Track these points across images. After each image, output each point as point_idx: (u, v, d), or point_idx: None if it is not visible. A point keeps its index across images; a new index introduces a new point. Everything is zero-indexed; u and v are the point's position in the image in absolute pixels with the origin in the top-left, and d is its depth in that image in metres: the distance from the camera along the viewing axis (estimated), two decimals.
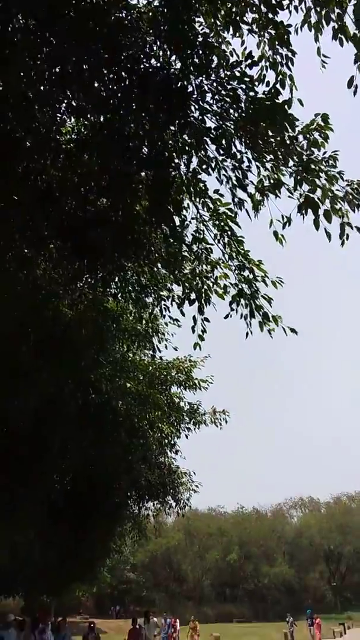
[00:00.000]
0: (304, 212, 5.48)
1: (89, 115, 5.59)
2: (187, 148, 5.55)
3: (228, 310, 6.54)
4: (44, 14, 4.77)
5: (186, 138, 5.47)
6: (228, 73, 5.11)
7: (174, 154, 5.50)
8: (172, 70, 5.21)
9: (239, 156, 5.58)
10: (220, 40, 5.22)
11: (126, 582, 62.31)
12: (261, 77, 5.24)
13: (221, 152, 5.56)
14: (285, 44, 4.99)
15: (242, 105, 5.14)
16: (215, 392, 14.29)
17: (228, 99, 5.19)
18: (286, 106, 5.03)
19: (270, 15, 4.84)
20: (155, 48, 5.19)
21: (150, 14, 5.16)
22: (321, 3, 4.74)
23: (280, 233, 6.00)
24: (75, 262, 6.60)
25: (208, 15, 5.09)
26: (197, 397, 13.94)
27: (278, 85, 5.12)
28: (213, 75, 5.18)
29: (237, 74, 5.08)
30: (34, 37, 4.97)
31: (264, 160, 5.60)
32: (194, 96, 5.24)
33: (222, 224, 6.36)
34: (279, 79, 5.15)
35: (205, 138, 5.43)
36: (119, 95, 5.22)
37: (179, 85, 5.13)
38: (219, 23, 5.14)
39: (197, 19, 5.09)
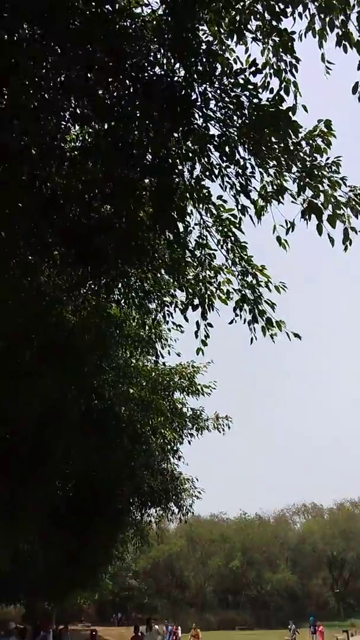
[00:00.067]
0: (307, 217, 5.51)
1: (93, 123, 5.62)
2: (190, 155, 5.58)
3: (230, 316, 6.56)
4: (49, 22, 4.81)
5: (190, 145, 5.50)
6: (232, 80, 5.14)
7: (178, 160, 5.53)
8: (176, 78, 5.24)
9: (242, 162, 5.61)
10: (224, 47, 5.25)
11: (128, 589, 62.06)
12: (265, 84, 5.27)
13: (225, 158, 5.59)
14: (289, 51, 5.02)
15: (246, 112, 5.18)
16: (217, 397, 14.28)
17: (232, 106, 5.22)
18: (290, 113, 5.06)
19: (274, 23, 4.87)
20: (159, 56, 5.22)
21: (155, 22, 5.19)
22: (325, 10, 4.77)
23: (284, 238, 6.03)
24: (79, 268, 6.62)
25: (212, 23, 5.13)
26: (199, 403, 13.94)
27: (282, 92, 5.15)
28: (217, 83, 5.21)
29: (241, 81, 5.11)
30: (39, 45, 5.01)
31: (267, 166, 5.62)
32: (198, 103, 5.27)
33: (225, 229, 6.39)
34: (282, 85, 5.18)
35: (208, 145, 5.46)
36: (123, 103, 5.25)
37: (182, 92, 5.16)
38: (222, 31, 5.17)
39: (201, 27, 5.13)
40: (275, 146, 5.32)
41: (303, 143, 5.37)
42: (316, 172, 5.46)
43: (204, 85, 5.25)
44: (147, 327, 10.04)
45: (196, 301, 6.81)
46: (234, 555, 66.16)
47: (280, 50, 5.06)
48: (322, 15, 4.81)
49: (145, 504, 16.35)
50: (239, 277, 6.54)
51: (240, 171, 5.65)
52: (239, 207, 5.98)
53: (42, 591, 21.44)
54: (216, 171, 5.72)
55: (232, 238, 6.38)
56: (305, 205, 5.52)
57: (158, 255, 6.64)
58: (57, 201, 5.80)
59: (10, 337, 7.87)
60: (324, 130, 5.34)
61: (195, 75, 5.17)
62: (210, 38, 5.22)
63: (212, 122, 5.39)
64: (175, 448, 14.23)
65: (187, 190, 5.87)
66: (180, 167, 5.61)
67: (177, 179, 5.65)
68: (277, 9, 4.81)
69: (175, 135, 5.36)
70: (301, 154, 5.42)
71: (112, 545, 20.06)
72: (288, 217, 5.75)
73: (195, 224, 6.38)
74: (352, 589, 65.86)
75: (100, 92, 5.28)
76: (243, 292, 6.54)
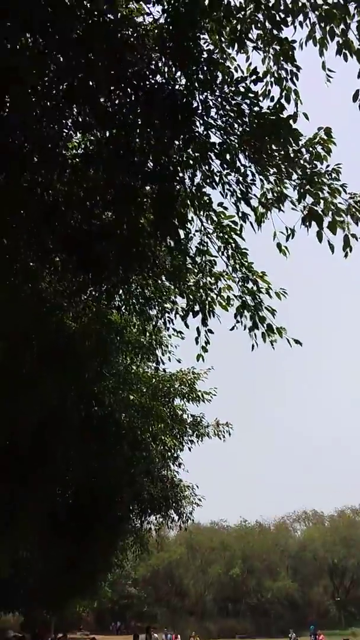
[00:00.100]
0: (308, 224, 5.54)
1: (95, 131, 5.66)
2: (191, 162, 5.61)
3: (230, 322, 6.57)
4: (52, 31, 4.85)
5: (191, 153, 5.53)
6: (232, 89, 5.18)
7: (179, 168, 5.55)
8: (177, 86, 5.28)
9: (243, 170, 5.65)
10: (225, 56, 5.29)
11: (127, 597, 61.72)
12: (266, 92, 5.31)
13: (225, 166, 5.62)
14: (290, 59, 5.06)
15: (247, 120, 5.21)
16: (218, 403, 14.27)
17: (232, 114, 5.26)
18: (291, 121, 5.10)
19: (275, 32, 4.91)
20: (160, 64, 5.26)
21: (156, 31, 5.23)
22: (325, 19, 4.81)
23: (284, 245, 6.06)
24: (80, 274, 6.65)
25: (213, 32, 5.17)
26: (200, 409, 13.93)
27: (283, 100, 5.19)
28: (218, 91, 5.25)
29: (242, 89, 5.14)
30: (41, 54, 5.05)
31: (268, 173, 5.66)
32: (199, 111, 5.31)
33: (226, 236, 6.41)
34: (283, 94, 5.22)
35: (209, 153, 5.50)
36: (125, 110, 5.29)
37: (183, 101, 5.19)
38: (223, 40, 5.21)
39: (202, 36, 5.16)
40: (276, 154, 5.36)
41: (303, 150, 5.41)
42: (316, 180, 5.49)
43: (205, 94, 5.28)
44: (147, 334, 10.06)
45: (197, 307, 6.83)
46: (234, 563, 65.80)
47: (281, 58, 5.10)
48: (323, 24, 4.85)
49: (145, 511, 16.29)
50: (240, 283, 6.55)
51: (240, 178, 5.68)
52: (240, 214, 6.01)
53: (41, 599, 21.32)
54: (217, 178, 5.75)
55: (233, 245, 6.41)
56: (306, 212, 5.55)
57: (159, 262, 6.66)
58: (59, 208, 5.83)
59: (11, 343, 7.88)
60: (324, 137, 5.37)
61: (196, 84, 5.21)
62: (211, 47, 5.26)
63: (213, 130, 5.43)
64: (175, 455, 14.21)
65: (188, 198, 5.90)
66: (181, 175, 5.64)
67: (178, 186, 5.68)
68: (278, 18, 4.86)
69: (177, 143, 5.39)
70: (301, 162, 5.45)
71: (112, 553, 19.97)
72: (289, 224, 5.78)
73: (196, 231, 6.40)
74: (353, 597, 65.46)
75: (102, 100, 5.32)
76: (243, 299, 6.55)
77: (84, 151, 6.06)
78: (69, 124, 5.50)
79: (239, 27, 5.06)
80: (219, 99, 5.26)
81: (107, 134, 5.56)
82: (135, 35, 5.23)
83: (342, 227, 5.53)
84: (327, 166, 5.46)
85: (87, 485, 12.88)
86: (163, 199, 5.58)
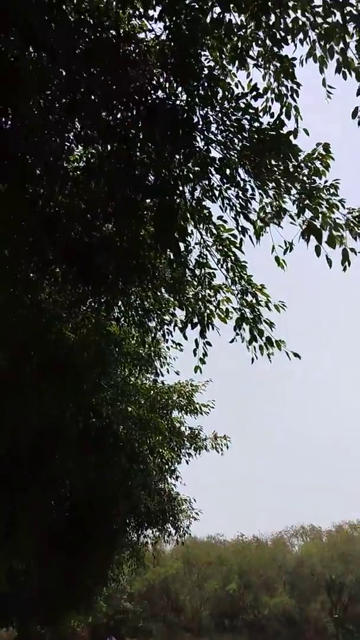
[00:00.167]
0: (306, 238, 5.59)
1: (96, 144, 5.72)
2: (192, 176, 5.68)
3: (229, 335, 6.61)
4: (56, 46, 4.93)
5: (191, 167, 5.60)
6: (233, 104, 5.26)
7: (179, 182, 5.62)
8: (178, 101, 5.35)
9: (242, 184, 5.72)
10: (225, 72, 5.38)
11: (122, 612, 60.90)
12: (266, 108, 5.40)
13: (225, 180, 5.69)
14: (290, 76, 5.14)
15: (247, 135, 5.28)
16: (216, 416, 14.25)
17: (233, 130, 5.34)
18: (291, 137, 5.17)
19: (275, 49, 5.00)
20: (162, 80, 5.34)
21: (158, 47, 5.32)
22: (325, 37, 4.90)
23: (282, 258, 6.12)
24: (79, 286, 6.69)
25: (214, 49, 5.26)
26: (198, 421, 13.92)
27: (283, 116, 5.27)
28: (218, 107, 5.33)
29: (242, 105, 5.23)
30: (44, 68, 5.13)
31: (267, 188, 5.73)
32: (199, 127, 5.39)
33: (225, 249, 6.47)
34: (283, 110, 5.30)
35: (209, 167, 5.57)
36: (127, 125, 5.36)
37: (184, 116, 5.27)
38: (224, 57, 5.31)
39: (203, 53, 5.26)
40: (275, 169, 5.43)
41: (302, 165, 5.48)
42: (315, 194, 5.56)
43: (206, 109, 5.36)
44: (146, 345, 10.08)
45: (195, 319, 6.86)
46: (231, 578, 65.01)
47: (282, 75, 5.19)
48: (322, 42, 4.94)
49: (141, 524, 16.17)
50: (239, 296, 6.60)
51: (240, 193, 5.75)
52: (239, 228, 6.07)
53: (36, 613, 21.05)
54: (217, 192, 5.83)
55: (232, 257, 6.46)
56: (305, 226, 5.61)
57: (159, 274, 6.71)
58: (60, 219, 5.88)
59: (11, 354, 7.90)
60: (323, 153, 5.45)
61: (197, 99, 5.29)
62: (212, 63, 5.35)
63: (213, 145, 5.50)
64: (172, 468, 14.17)
65: (188, 211, 5.96)
66: (181, 188, 5.70)
67: (178, 200, 5.74)
68: (279, 36, 4.94)
69: (177, 157, 5.46)
70: (300, 176, 5.52)
71: (108, 566, 19.77)
72: (287, 237, 5.85)
73: (196, 244, 6.47)
74: (351, 615, 64.64)
75: (104, 114, 5.39)
76: (242, 311, 6.59)
77: (86, 164, 6.13)
78: (71, 137, 5.57)
79: (239, 44, 5.16)
80: (220, 115, 5.34)
81: (109, 147, 5.62)
82: (137, 51, 5.32)
83: (341, 241, 5.59)
84: (326, 181, 5.53)
85: (84, 498, 12.81)
86: (163, 212, 5.63)
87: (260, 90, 5.31)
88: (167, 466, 13.68)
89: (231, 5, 4.81)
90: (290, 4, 4.82)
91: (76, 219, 5.99)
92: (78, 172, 6.01)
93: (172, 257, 6.21)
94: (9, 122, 5.41)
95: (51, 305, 7.60)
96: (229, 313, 6.71)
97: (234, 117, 5.31)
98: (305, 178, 5.54)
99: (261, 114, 5.35)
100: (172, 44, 5.19)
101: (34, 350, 8.20)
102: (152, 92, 5.30)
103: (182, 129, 5.21)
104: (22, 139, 5.21)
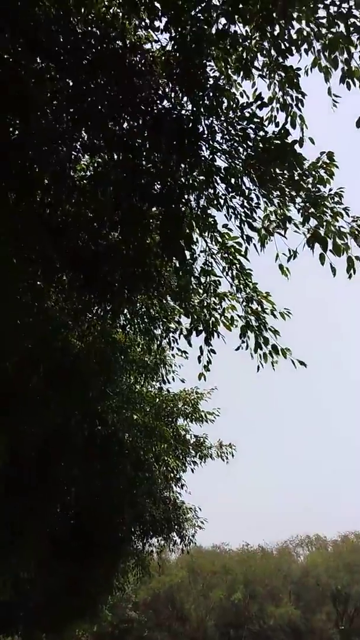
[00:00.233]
0: (311, 246, 5.62)
1: (103, 153, 5.79)
2: (197, 185, 5.73)
3: (235, 343, 6.63)
4: (63, 57, 5.01)
5: (196, 176, 5.65)
6: (238, 114, 5.31)
7: (185, 191, 5.67)
8: (184, 111, 5.41)
9: (247, 193, 5.76)
10: (230, 82, 5.44)
11: (127, 621, 60.49)
12: (271, 117, 5.44)
13: (230, 189, 5.74)
14: (295, 86, 5.19)
15: (252, 144, 5.33)
16: (222, 424, 14.21)
17: (238, 139, 5.38)
18: (296, 146, 5.21)
19: (280, 60, 5.05)
20: (168, 90, 5.40)
21: (164, 58, 5.39)
22: (329, 47, 4.95)
23: (286, 266, 6.14)
24: (85, 293, 6.73)
25: (219, 59, 5.32)
26: (203, 429, 13.90)
27: (288, 125, 5.31)
28: (223, 116, 5.38)
29: (247, 114, 5.27)
30: (53, 78, 5.21)
31: (272, 196, 5.76)
32: (205, 136, 5.44)
33: (230, 257, 6.50)
34: (289, 119, 5.35)
35: (215, 176, 5.62)
36: (133, 134, 5.42)
37: (190, 125, 5.32)
38: (229, 67, 5.36)
39: (208, 63, 5.32)
40: (280, 177, 5.46)
41: (307, 174, 5.51)
42: (320, 203, 5.59)
43: (211, 119, 5.42)
44: (152, 353, 10.10)
45: (200, 327, 6.89)
46: (236, 588, 64.49)
47: (287, 85, 5.24)
48: (327, 53, 4.99)
49: (147, 533, 16.10)
50: (244, 303, 6.62)
51: (245, 201, 5.79)
52: (244, 236, 6.11)
53: (41, 621, 20.97)
54: (222, 201, 5.87)
55: (237, 265, 6.50)
56: (310, 234, 5.63)
57: (164, 282, 6.74)
58: (67, 228, 5.93)
59: (17, 361, 7.94)
60: (327, 161, 5.49)
61: (202, 109, 5.34)
62: (217, 73, 5.41)
63: (219, 154, 5.55)
64: (178, 476, 14.11)
65: (193, 219, 6.00)
66: (187, 197, 5.75)
67: (184, 208, 5.78)
68: (283, 47, 5.00)
69: (183, 166, 5.51)
70: (305, 185, 5.55)
71: (113, 575, 19.69)
72: (292, 245, 5.87)
73: (201, 252, 6.50)
74: (357, 626, 63.91)
75: (110, 124, 5.46)
76: (247, 319, 6.61)
77: (93, 173, 6.19)
78: (78, 147, 5.63)
79: (245, 55, 5.21)
80: (225, 124, 5.39)
81: (115, 156, 5.68)
82: (143, 61, 5.38)
83: (345, 250, 5.61)
84: (330, 190, 5.56)
85: (89, 506, 12.79)
86: (169, 220, 5.68)
87: (265, 100, 5.36)
88: (172, 474, 13.63)
89: (236, 17, 4.87)
90: (295, 15, 4.88)
91: (83, 227, 6.05)
92: (85, 181, 6.07)
93: (177, 265, 6.25)
94: (17, 132, 5.49)
95: (57, 312, 7.65)
96: (234, 321, 6.73)
97: (239, 127, 5.35)
98: (309, 186, 5.57)
99: (266, 123, 5.39)
100: (178, 54, 5.25)
101: (40, 357, 8.23)
102: (158, 102, 5.36)
103: (188, 138, 5.27)
104: (30, 149, 5.28)
